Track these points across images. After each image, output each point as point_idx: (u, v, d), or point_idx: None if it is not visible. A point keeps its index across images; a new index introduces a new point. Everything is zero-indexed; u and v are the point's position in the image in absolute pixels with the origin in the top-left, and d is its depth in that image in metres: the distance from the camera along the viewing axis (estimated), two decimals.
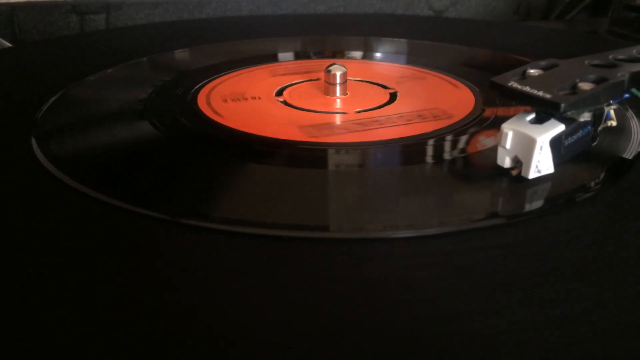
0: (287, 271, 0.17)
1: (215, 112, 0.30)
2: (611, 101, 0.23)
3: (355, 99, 0.32)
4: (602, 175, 0.23)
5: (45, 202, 0.21)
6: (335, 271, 0.17)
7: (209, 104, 0.31)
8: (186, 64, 0.41)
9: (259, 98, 0.32)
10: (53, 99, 0.32)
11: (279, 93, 0.33)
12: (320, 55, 0.44)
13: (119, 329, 0.15)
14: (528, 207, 0.21)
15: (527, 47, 0.45)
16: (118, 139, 0.27)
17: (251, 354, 0.14)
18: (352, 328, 0.15)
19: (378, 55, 0.44)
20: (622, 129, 0.27)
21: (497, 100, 0.31)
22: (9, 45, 0.49)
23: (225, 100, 0.31)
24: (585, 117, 0.22)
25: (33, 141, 0.26)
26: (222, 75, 0.37)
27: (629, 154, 0.25)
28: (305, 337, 0.15)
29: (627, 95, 0.23)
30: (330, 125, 0.28)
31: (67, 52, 0.45)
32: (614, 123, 0.24)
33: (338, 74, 0.32)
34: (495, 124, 0.28)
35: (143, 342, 0.14)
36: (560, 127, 0.21)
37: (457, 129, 0.28)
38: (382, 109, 0.31)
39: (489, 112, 0.30)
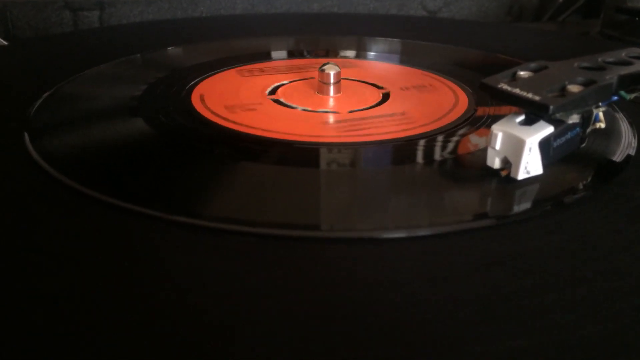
0: (277, 269, 0.18)
1: (213, 112, 0.30)
2: (600, 103, 0.23)
3: (350, 98, 0.33)
4: (591, 178, 0.23)
5: (37, 198, 0.22)
6: (325, 270, 0.18)
7: (202, 101, 0.31)
8: (180, 62, 0.41)
9: (260, 103, 0.32)
10: (46, 95, 0.32)
11: (273, 92, 0.34)
12: (314, 54, 0.44)
13: (110, 325, 0.15)
14: (517, 209, 0.21)
15: (519, 48, 0.46)
16: (111, 135, 0.27)
17: (241, 351, 0.14)
18: (341, 327, 0.15)
19: (371, 54, 0.45)
20: (612, 132, 0.27)
21: (489, 101, 0.31)
22: (5, 43, 0.49)
23: (234, 110, 0.30)
24: (574, 119, 0.23)
25: (26, 137, 0.26)
26: (216, 73, 0.37)
27: (618, 157, 0.25)
28: (295, 335, 0.15)
29: (615, 98, 0.23)
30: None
31: (60, 49, 0.45)
32: (603, 125, 0.24)
33: (332, 73, 0.32)
34: (487, 125, 0.28)
35: (134, 338, 0.15)
36: (549, 129, 0.22)
37: (449, 130, 0.28)
38: (380, 106, 0.31)
39: (481, 113, 0.30)
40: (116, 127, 0.28)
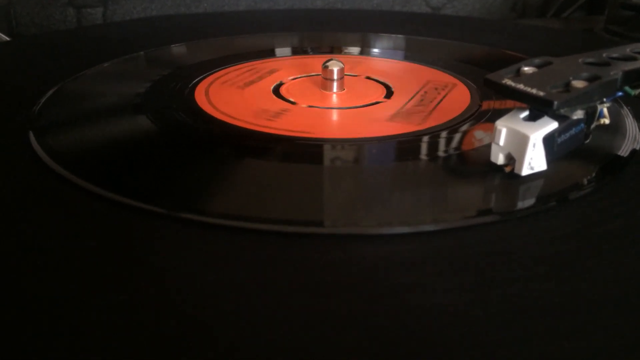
0: (280, 265, 0.18)
1: (216, 108, 0.30)
2: (604, 99, 0.23)
3: (354, 95, 0.32)
4: (595, 173, 0.23)
5: (42, 195, 0.22)
6: (329, 266, 0.18)
7: (206, 99, 0.31)
8: (183, 59, 0.41)
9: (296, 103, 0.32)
10: (50, 92, 0.33)
11: (277, 88, 0.34)
12: (318, 50, 0.44)
13: (112, 322, 0.15)
14: (521, 205, 0.21)
15: (523, 45, 0.46)
16: (115, 132, 0.27)
17: (243, 348, 0.14)
18: (344, 323, 0.15)
19: (375, 51, 0.45)
20: (617, 127, 0.27)
21: (494, 97, 0.31)
22: (7, 39, 0.49)
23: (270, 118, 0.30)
24: (578, 114, 0.23)
25: (30, 135, 0.26)
26: (219, 70, 0.37)
27: (623, 152, 0.25)
28: (298, 332, 0.15)
29: (620, 94, 0.23)
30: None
31: (64, 46, 0.45)
32: (607, 121, 0.24)
33: (335, 69, 0.32)
34: (491, 121, 0.28)
35: (137, 336, 0.15)
36: (553, 125, 0.22)
37: (453, 126, 0.28)
38: (385, 102, 0.31)
39: (485, 109, 0.30)
40: (120, 124, 0.28)
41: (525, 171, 0.22)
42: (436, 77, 0.36)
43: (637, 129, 0.27)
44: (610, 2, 0.61)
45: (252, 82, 0.34)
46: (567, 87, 0.22)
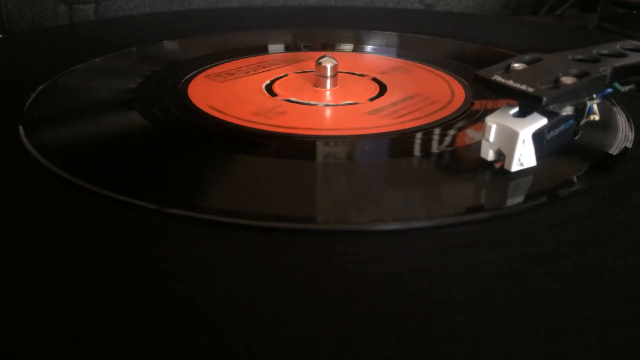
0: (272, 262, 0.18)
1: (208, 105, 0.30)
2: (594, 95, 0.23)
3: (348, 91, 0.32)
4: (586, 170, 0.23)
5: (32, 191, 0.22)
6: (321, 263, 0.18)
7: (200, 94, 0.31)
8: (175, 55, 0.41)
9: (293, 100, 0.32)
10: (41, 87, 0.32)
11: (269, 85, 0.34)
12: (311, 47, 0.44)
13: (105, 318, 0.15)
14: (511, 202, 0.21)
15: (516, 42, 0.46)
16: (107, 128, 0.27)
17: (234, 344, 0.14)
18: (336, 320, 0.15)
19: (368, 48, 0.44)
20: (609, 125, 0.27)
21: (486, 94, 0.31)
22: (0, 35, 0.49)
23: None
24: (568, 111, 0.23)
25: (21, 130, 0.26)
26: (212, 66, 0.37)
27: (615, 150, 0.25)
28: (290, 328, 0.15)
29: (609, 90, 0.23)
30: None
31: (56, 42, 0.45)
32: (597, 117, 0.24)
33: (329, 66, 0.32)
34: (484, 118, 0.28)
35: (128, 331, 0.15)
36: (543, 121, 0.22)
37: (445, 123, 0.28)
38: (378, 99, 0.31)
39: (477, 106, 0.30)
40: (112, 120, 0.28)
41: (515, 167, 0.22)
42: (429, 74, 0.36)
43: (629, 127, 0.27)
44: (603, 0, 0.61)
45: (244, 79, 0.34)
46: (556, 83, 0.22)
